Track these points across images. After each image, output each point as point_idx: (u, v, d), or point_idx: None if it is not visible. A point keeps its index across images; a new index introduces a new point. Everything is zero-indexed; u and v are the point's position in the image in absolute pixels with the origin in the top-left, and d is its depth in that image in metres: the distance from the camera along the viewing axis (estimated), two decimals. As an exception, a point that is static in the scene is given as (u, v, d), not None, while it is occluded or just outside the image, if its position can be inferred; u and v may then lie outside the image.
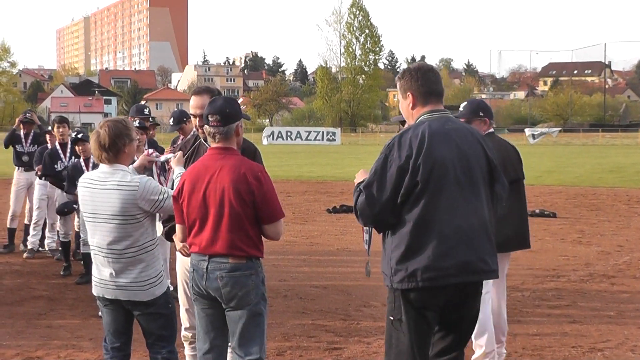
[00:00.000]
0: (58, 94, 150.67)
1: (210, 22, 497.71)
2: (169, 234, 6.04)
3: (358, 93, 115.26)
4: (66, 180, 10.71)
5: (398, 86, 5.05)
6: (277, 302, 9.48)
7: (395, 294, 4.79)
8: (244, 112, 5.47)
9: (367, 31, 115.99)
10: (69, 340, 7.94)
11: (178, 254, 6.02)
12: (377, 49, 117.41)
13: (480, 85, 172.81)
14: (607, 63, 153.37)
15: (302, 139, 77.08)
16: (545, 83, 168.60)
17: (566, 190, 25.09)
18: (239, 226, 5.11)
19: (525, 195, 7.31)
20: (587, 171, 33.85)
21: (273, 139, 76.82)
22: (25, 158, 13.10)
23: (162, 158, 6.92)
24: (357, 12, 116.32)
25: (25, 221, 13.21)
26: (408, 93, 4.96)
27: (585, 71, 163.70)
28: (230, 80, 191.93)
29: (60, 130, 11.68)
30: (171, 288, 7.04)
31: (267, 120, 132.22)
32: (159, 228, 5.97)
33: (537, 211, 18.42)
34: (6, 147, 13.58)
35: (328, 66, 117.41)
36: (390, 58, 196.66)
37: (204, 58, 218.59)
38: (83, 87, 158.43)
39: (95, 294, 5.68)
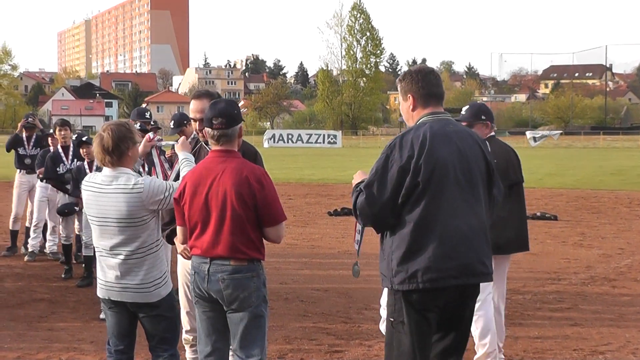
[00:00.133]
0: (59, 96, 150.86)
1: (212, 25, 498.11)
2: (169, 237, 6.05)
3: (359, 96, 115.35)
4: (71, 183, 10.74)
5: (399, 88, 5.06)
6: (278, 305, 9.48)
7: (396, 296, 4.79)
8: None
9: (368, 34, 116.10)
10: (71, 343, 7.94)
11: (179, 257, 6.02)
12: (378, 51, 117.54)
13: (481, 88, 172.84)
14: (608, 66, 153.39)
15: (303, 142, 77.08)
16: (546, 86, 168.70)
17: (567, 193, 25.09)
18: (241, 229, 5.11)
19: (525, 198, 7.31)
20: (589, 174, 33.85)
21: (274, 141, 76.82)
22: (27, 161, 13.11)
23: (164, 143, 6.90)
24: (358, 15, 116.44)
25: (27, 224, 13.23)
26: (409, 95, 4.97)
27: (587, 74, 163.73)
28: (232, 83, 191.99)
29: (62, 133, 11.71)
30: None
31: (268, 123, 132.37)
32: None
33: (538, 214, 18.43)
34: (8, 151, 13.60)
35: (329, 69, 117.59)
36: (392, 61, 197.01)
37: (205, 61, 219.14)
38: (84, 90, 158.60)
39: (100, 296, 5.68)
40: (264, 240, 5.28)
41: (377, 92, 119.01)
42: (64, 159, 11.58)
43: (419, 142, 4.71)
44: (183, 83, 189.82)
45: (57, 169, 11.50)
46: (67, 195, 11.40)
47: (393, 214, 4.74)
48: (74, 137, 11.93)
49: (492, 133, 7.17)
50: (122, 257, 5.45)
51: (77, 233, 11.46)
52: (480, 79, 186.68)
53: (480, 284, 4.97)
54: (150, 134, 6.75)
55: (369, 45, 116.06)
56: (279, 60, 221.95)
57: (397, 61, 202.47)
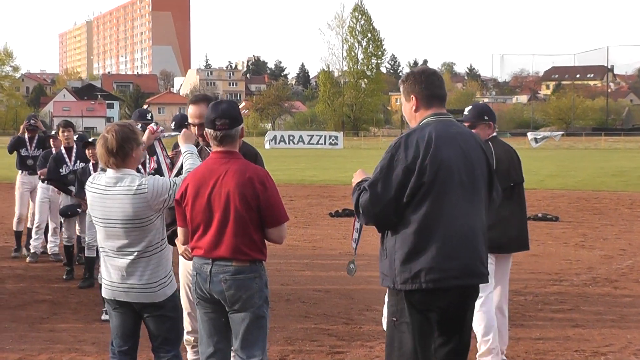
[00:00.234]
0: (61, 98, 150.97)
1: (213, 26, 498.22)
2: (170, 238, 6.05)
3: (360, 97, 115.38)
4: (75, 184, 10.75)
5: (401, 89, 5.07)
6: (279, 306, 9.48)
7: (399, 296, 4.80)
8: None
9: (369, 35, 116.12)
10: (72, 344, 7.93)
11: (180, 258, 6.02)
12: (380, 52, 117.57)
13: (482, 89, 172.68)
14: (609, 67, 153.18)
15: (304, 143, 77.12)
16: (547, 87, 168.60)
17: (569, 194, 25.08)
18: (244, 230, 5.12)
19: (525, 198, 7.35)
20: (590, 175, 33.85)
21: (275, 143, 76.85)
22: (29, 162, 13.11)
23: (166, 134, 6.89)
24: (360, 16, 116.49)
25: (28, 225, 13.24)
26: (411, 96, 4.98)
27: (588, 75, 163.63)
28: (233, 85, 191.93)
29: (66, 134, 11.69)
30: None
31: (270, 124, 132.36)
32: None
33: (539, 215, 18.43)
34: (11, 153, 13.61)
35: (330, 70, 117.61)
36: (393, 62, 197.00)
37: (207, 62, 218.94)
38: (85, 92, 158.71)
39: (105, 297, 5.68)
40: (265, 241, 5.29)
41: (378, 93, 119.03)
42: (67, 160, 11.58)
43: (425, 143, 4.73)
44: (184, 84, 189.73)
45: (60, 170, 11.51)
46: (69, 197, 11.40)
47: (396, 214, 4.74)
48: (74, 137, 11.94)
49: (495, 133, 7.21)
50: (130, 257, 5.45)
51: (78, 234, 11.47)
52: (481, 80, 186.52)
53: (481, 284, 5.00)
54: (154, 126, 6.73)
55: (370, 46, 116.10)
56: (280, 62, 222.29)
57: (399, 62, 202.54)
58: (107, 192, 5.43)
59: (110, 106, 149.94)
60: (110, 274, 5.58)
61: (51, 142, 12.46)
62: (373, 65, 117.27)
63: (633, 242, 14.94)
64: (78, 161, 11.48)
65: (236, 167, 5.18)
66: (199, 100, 6.32)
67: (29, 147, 13.20)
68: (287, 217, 5.29)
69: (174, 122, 9.55)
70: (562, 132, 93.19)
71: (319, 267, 12.35)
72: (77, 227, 11.41)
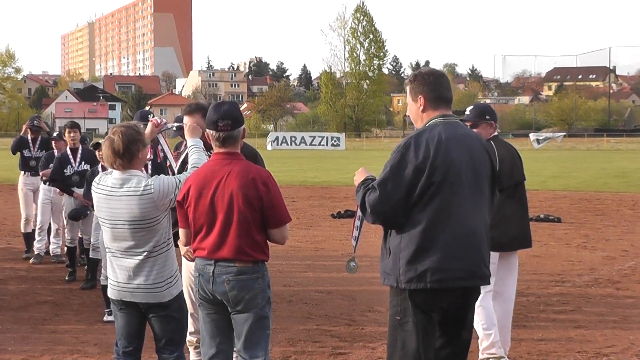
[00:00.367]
0: (63, 99, 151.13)
1: (215, 28, 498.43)
2: (175, 239, 6.05)
3: (362, 98, 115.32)
4: (85, 186, 10.76)
5: (408, 89, 5.08)
6: (281, 307, 9.47)
7: (403, 295, 4.81)
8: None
9: (371, 36, 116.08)
10: (74, 345, 7.94)
11: (183, 259, 6.02)
12: (382, 54, 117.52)
13: (484, 90, 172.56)
14: (611, 68, 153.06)
15: (306, 144, 77.17)
16: (549, 88, 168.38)
17: (571, 195, 25.07)
18: (247, 231, 5.12)
19: (527, 196, 7.40)
20: (592, 176, 33.83)
21: (277, 144, 76.89)
22: (32, 163, 13.10)
23: (169, 125, 6.88)
24: (362, 18, 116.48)
25: (31, 226, 13.23)
26: (419, 96, 4.99)
27: (590, 76, 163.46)
28: (235, 86, 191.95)
29: (72, 135, 11.63)
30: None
31: (272, 125, 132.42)
32: None
33: (542, 216, 18.43)
34: (14, 153, 13.60)
35: (332, 71, 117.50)
36: (395, 63, 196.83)
37: (208, 63, 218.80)
38: (87, 93, 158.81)
39: (111, 297, 5.69)
40: (268, 242, 5.29)
41: (380, 94, 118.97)
42: (72, 161, 11.53)
43: (435, 143, 4.76)
44: (186, 86, 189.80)
45: (65, 171, 11.45)
46: (72, 198, 11.38)
47: (404, 213, 4.76)
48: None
49: (496, 133, 7.26)
50: (139, 257, 5.46)
51: (80, 236, 11.47)
52: (483, 81, 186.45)
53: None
54: (157, 119, 6.72)
55: (372, 47, 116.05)
56: (282, 63, 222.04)
57: (401, 63, 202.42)
58: (114, 193, 5.44)
59: (112, 107, 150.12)
60: (117, 275, 5.58)
61: (53, 144, 12.46)
62: (375, 67, 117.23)
63: (635, 243, 14.93)
64: (83, 162, 11.46)
65: (239, 168, 5.18)
66: (193, 111, 6.29)
67: (32, 148, 13.19)
68: (289, 218, 5.29)
69: (176, 122, 9.54)
70: (564, 133, 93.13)
71: (321, 269, 12.35)
72: (80, 228, 11.42)
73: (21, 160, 13.31)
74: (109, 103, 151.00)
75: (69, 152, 11.60)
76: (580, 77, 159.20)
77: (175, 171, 6.69)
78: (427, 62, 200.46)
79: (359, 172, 5.13)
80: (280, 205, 5.20)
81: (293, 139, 79.79)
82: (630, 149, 69.88)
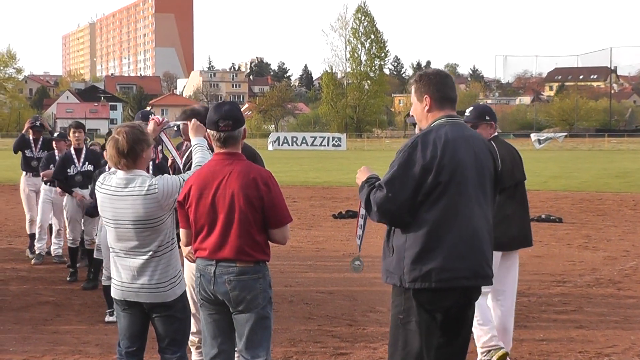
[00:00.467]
0: (64, 100, 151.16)
1: (216, 28, 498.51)
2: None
3: (363, 98, 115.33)
4: (92, 184, 10.77)
5: (413, 88, 5.09)
6: (283, 308, 9.48)
7: (406, 295, 4.81)
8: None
9: (372, 36, 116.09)
10: (76, 346, 7.94)
11: (184, 259, 6.02)
12: (383, 54, 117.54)
13: (485, 90, 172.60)
14: (613, 68, 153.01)
15: (307, 145, 77.20)
16: (551, 88, 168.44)
17: (572, 195, 25.06)
18: (248, 231, 5.13)
19: (527, 195, 7.43)
20: (593, 176, 33.82)
21: (278, 144, 76.93)
22: (34, 163, 13.09)
23: (172, 124, 6.88)
24: (363, 18, 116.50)
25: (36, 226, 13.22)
26: (425, 96, 5.00)
27: (591, 76, 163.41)
28: (236, 86, 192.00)
29: (77, 135, 11.57)
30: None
31: (273, 125, 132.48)
32: None
33: (543, 216, 18.43)
34: (15, 152, 13.58)
35: (333, 72, 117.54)
36: (396, 63, 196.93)
37: (210, 64, 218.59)
38: (89, 93, 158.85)
39: (115, 297, 5.68)
40: (269, 242, 5.29)
41: (381, 94, 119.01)
42: (76, 161, 11.49)
43: (442, 143, 4.78)
44: (187, 86, 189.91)
45: (68, 171, 11.42)
46: (74, 199, 11.38)
47: (410, 212, 4.77)
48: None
49: (496, 133, 7.28)
50: (143, 257, 5.47)
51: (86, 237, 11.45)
52: (484, 82, 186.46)
53: None
54: (159, 117, 6.73)
55: (374, 48, 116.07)
56: (284, 63, 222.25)
57: (402, 64, 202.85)
58: (118, 193, 5.45)
59: (114, 108, 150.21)
60: (121, 275, 5.58)
61: (54, 144, 12.45)
62: (376, 67, 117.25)
63: (636, 244, 14.92)
64: (87, 163, 11.42)
65: (240, 169, 5.18)
66: (188, 117, 6.30)
67: (33, 149, 13.19)
68: (290, 218, 5.30)
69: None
70: (566, 134, 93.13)
71: (322, 269, 12.35)
72: (82, 228, 11.43)
73: (23, 160, 13.30)
74: (110, 103, 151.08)
75: (73, 152, 11.56)
76: (581, 77, 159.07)
77: (181, 167, 6.71)
78: (429, 63, 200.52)
79: (362, 170, 5.13)
80: (281, 206, 5.21)
81: (294, 139, 79.82)
82: (632, 149, 69.86)
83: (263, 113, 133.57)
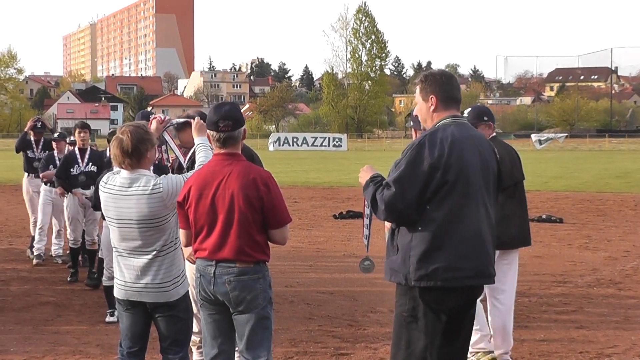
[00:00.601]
0: (64, 100, 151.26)
1: (216, 29, 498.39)
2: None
3: (364, 99, 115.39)
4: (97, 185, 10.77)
5: (419, 88, 5.10)
6: (283, 308, 9.48)
7: (412, 293, 4.82)
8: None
9: (373, 37, 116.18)
10: (76, 346, 7.94)
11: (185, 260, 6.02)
12: (383, 54, 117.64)
13: (486, 90, 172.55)
14: (613, 68, 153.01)
15: (308, 145, 77.23)
16: (551, 88, 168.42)
17: (573, 195, 25.06)
18: (247, 231, 5.12)
19: (525, 195, 7.45)
20: (594, 177, 33.82)
21: (279, 144, 76.97)
22: (36, 164, 13.06)
23: (174, 121, 6.88)
24: (363, 18, 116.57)
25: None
26: (431, 96, 5.02)
27: (592, 77, 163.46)
28: (237, 87, 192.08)
29: (82, 135, 11.52)
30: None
31: (274, 126, 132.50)
32: None
33: (544, 217, 18.41)
34: (17, 151, 13.57)
35: (334, 72, 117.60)
36: (397, 64, 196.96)
37: (210, 64, 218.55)
38: (89, 94, 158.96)
39: (118, 297, 5.68)
40: (269, 243, 5.29)
41: (382, 95, 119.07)
42: (79, 161, 11.44)
43: (449, 142, 4.80)
44: (188, 86, 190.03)
45: (71, 170, 11.38)
46: (75, 199, 11.37)
47: (417, 210, 4.78)
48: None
49: (494, 134, 7.31)
50: (147, 257, 5.47)
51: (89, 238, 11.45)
52: (485, 82, 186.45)
53: None
54: (161, 115, 6.73)
55: (374, 48, 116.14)
56: (284, 64, 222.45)
57: (403, 64, 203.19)
58: (122, 192, 5.45)
59: (114, 108, 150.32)
60: (124, 274, 5.59)
61: (54, 145, 12.45)
62: (377, 67, 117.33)
63: (637, 244, 14.92)
64: (90, 164, 11.37)
65: (240, 169, 5.18)
66: (186, 125, 6.31)
67: (35, 149, 13.17)
68: (290, 219, 5.30)
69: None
70: (566, 134, 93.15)
71: (323, 269, 12.35)
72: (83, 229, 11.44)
73: (25, 161, 13.29)
74: (110, 104, 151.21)
75: (77, 151, 11.51)
76: (582, 77, 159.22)
77: (185, 166, 6.73)
78: (429, 63, 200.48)
79: (365, 169, 5.13)
80: (281, 206, 5.21)
81: (295, 139, 79.86)
82: (632, 150, 69.87)
83: (264, 113, 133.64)
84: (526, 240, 7.37)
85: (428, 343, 4.82)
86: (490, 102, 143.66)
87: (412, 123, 6.27)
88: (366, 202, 5.12)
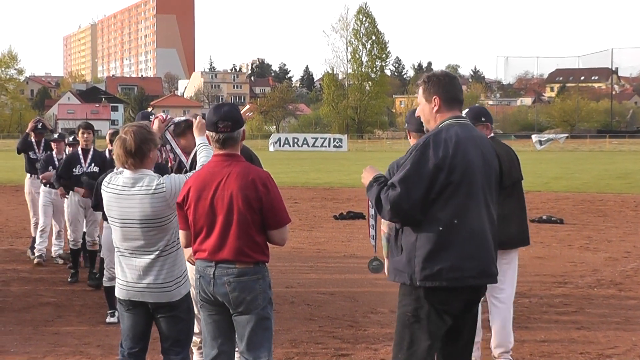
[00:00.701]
0: (65, 101, 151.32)
1: (217, 29, 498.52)
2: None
3: (365, 99, 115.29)
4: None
5: (421, 89, 5.11)
6: (284, 309, 9.48)
7: (417, 293, 4.83)
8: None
9: (373, 37, 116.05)
10: (77, 347, 7.94)
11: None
12: (384, 55, 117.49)
13: (487, 91, 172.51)
14: (614, 69, 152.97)
15: (308, 146, 77.24)
16: (552, 89, 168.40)
17: (573, 196, 25.05)
18: (247, 232, 5.12)
19: (524, 194, 7.46)
20: (594, 177, 33.82)
21: (280, 145, 76.97)
22: (38, 165, 13.08)
23: (176, 120, 6.88)
24: (364, 19, 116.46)
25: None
26: (434, 97, 5.02)
27: (592, 77, 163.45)
28: (237, 87, 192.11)
29: (85, 136, 11.46)
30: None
31: (274, 126, 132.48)
32: None
33: (544, 217, 18.40)
34: (19, 153, 13.56)
35: (335, 73, 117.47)
36: (397, 64, 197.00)
37: (211, 65, 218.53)
38: (90, 94, 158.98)
39: (120, 297, 5.68)
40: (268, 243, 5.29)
41: (382, 95, 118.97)
42: (82, 161, 11.39)
43: (453, 143, 4.81)
44: (189, 87, 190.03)
45: (73, 170, 11.34)
46: (77, 199, 11.34)
47: (422, 211, 4.79)
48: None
49: (492, 134, 7.32)
50: (150, 257, 5.48)
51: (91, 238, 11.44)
52: (485, 83, 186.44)
53: None
54: (163, 114, 6.73)
55: (375, 48, 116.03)
56: (285, 64, 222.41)
57: (403, 65, 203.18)
58: (125, 192, 5.46)
59: (115, 109, 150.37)
60: (126, 274, 5.59)
61: (53, 145, 12.44)
62: (377, 68, 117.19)
63: (638, 245, 14.92)
64: (92, 164, 11.32)
65: (239, 170, 5.18)
66: (185, 130, 6.31)
67: (36, 150, 13.17)
68: (289, 219, 5.30)
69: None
70: (567, 135, 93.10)
71: (323, 270, 12.35)
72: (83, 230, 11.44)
73: (27, 162, 13.28)
74: (111, 104, 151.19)
75: (80, 152, 11.45)
76: (582, 78, 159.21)
77: (187, 166, 6.73)
78: (430, 64, 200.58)
79: (367, 170, 5.14)
80: (280, 207, 5.20)
81: (295, 140, 79.86)
82: (633, 150, 69.85)
83: (264, 114, 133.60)
84: (525, 239, 7.38)
85: (431, 344, 4.83)
86: (490, 102, 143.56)
87: (406, 125, 6.26)
88: (370, 203, 5.12)
